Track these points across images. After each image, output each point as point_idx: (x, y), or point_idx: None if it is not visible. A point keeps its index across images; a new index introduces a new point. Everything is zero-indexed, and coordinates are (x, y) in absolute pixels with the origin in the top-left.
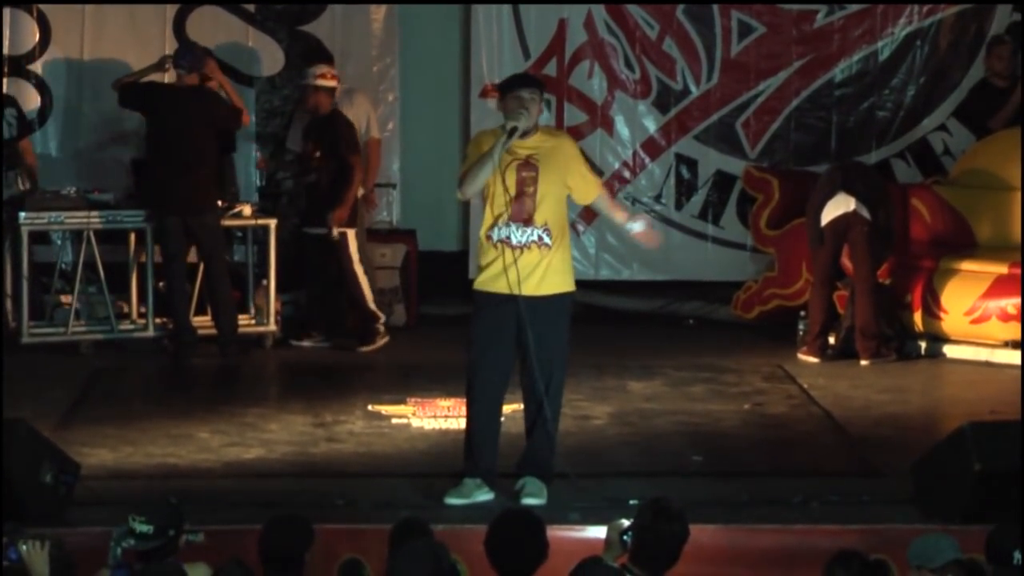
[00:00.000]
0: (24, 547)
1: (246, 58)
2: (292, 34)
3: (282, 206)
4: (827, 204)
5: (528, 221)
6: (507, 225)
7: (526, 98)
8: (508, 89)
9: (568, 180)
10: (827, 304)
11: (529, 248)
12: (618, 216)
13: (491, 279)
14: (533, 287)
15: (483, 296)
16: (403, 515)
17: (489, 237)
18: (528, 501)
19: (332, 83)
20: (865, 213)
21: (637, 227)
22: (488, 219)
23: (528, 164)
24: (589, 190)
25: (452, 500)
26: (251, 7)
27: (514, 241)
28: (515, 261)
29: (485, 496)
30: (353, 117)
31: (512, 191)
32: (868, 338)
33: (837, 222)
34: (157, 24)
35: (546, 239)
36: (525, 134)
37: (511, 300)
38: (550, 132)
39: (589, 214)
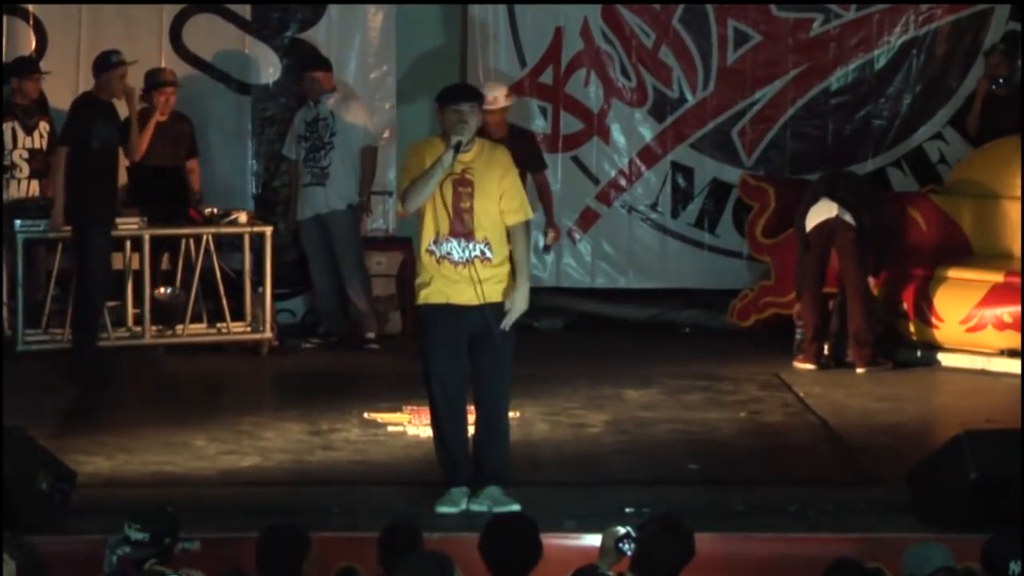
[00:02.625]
0: None
1: (243, 66)
2: (289, 41)
3: (279, 213)
4: (810, 210)
5: (469, 236)
6: (447, 240)
7: (465, 111)
8: (446, 102)
9: (501, 188)
10: (818, 309)
11: (472, 263)
12: (520, 265)
13: (438, 291)
14: (485, 296)
15: (432, 309)
16: (393, 520)
17: (431, 252)
18: (508, 509)
19: (509, 102)
20: (849, 218)
21: (510, 306)
22: (428, 233)
23: (464, 179)
24: (515, 208)
25: (443, 509)
26: (247, 15)
27: (456, 256)
28: (476, 279)
29: (475, 505)
30: (349, 125)
31: (450, 206)
32: (862, 346)
33: (821, 228)
34: (153, 32)
35: (488, 253)
36: (465, 146)
37: (463, 311)
38: (486, 145)
39: (585, 222)
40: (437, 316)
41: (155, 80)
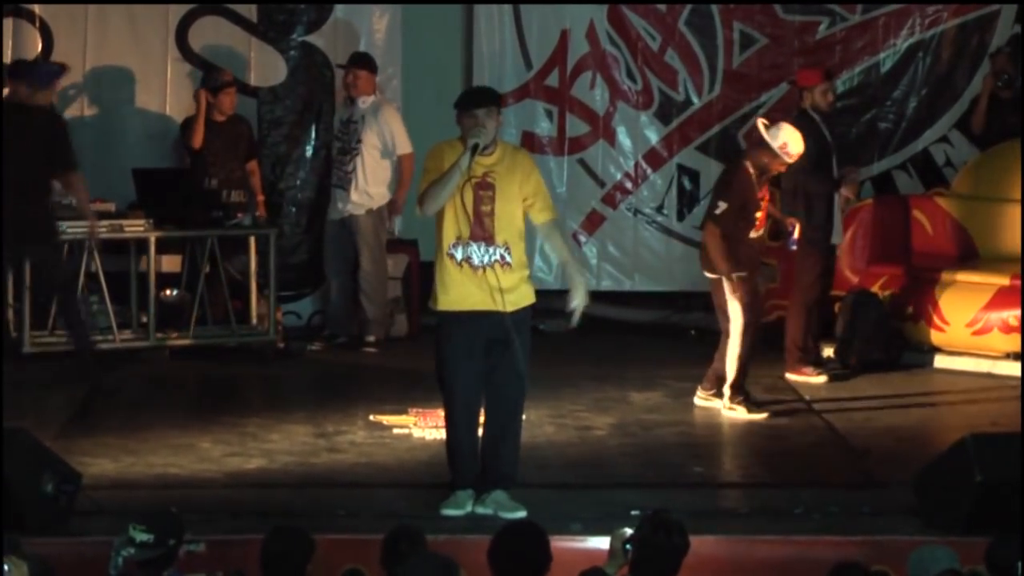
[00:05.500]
0: (7, 566)
1: (248, 68)
2: (294, 44)
3: (285, 215)
4: None
5: (489, 240)
6: (467, 244)
7: (481, 116)
8: (462, 107)
9: (525, 191)
10: (796, 318)
11: (492, 268)
12: (567, 263)
13: (461, 298)
14: (505, 305)
15: (450, 315)
16: (396, 524)
17: (452, 256)
18: (516, 515)
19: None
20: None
21: (574, 304)
22: (449, 236)
23: (485, 183)
24: (544, 206)
25: (449, 511)
26: (254, 17)
27: (476, 261)
28: (492, 283)
29: (481, 508)
30: (376, 133)
31: (470, 210)
32: (789, 352)
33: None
34: (159, 34)
35: (507, 258)
36: (484, 149)
37: (482, 316)
38: (508, 148)
39: (590, 224)
40: (455, 321)
41: (218, 82)
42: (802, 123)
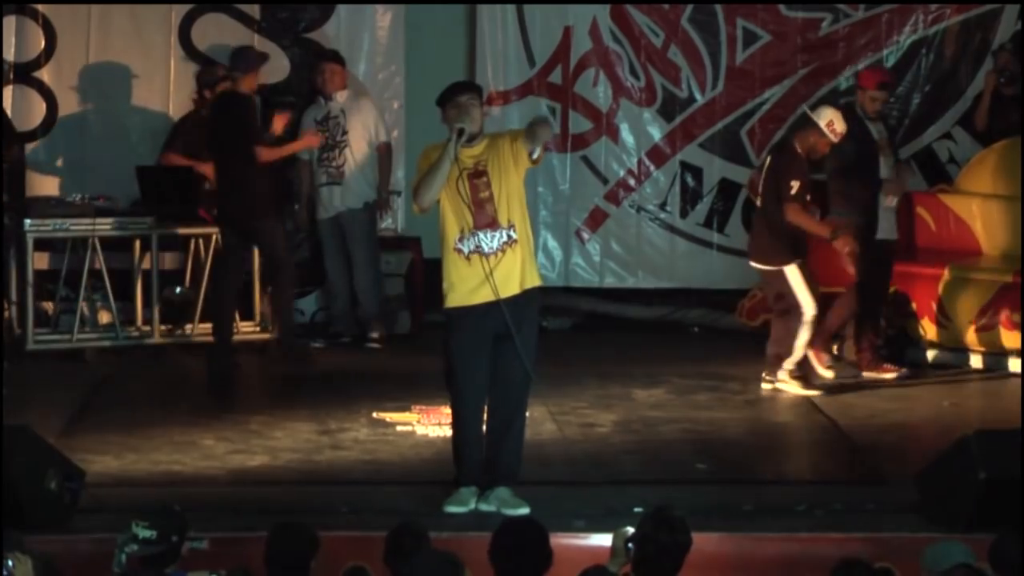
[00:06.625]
0: (10, 562)
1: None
2: (297, 41)
3: (296, 211)
4: None
5: (494, 224)
6: (473, 234)
7: (464, 103)
8: (445, 99)
9: (513, 147)
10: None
11: (504, 251)
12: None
13: (469, 293)
14: (515, 286)
15: (462, 311)
16: (400, 522)
17: (459, 251)
18: (519, 512)
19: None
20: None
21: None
22: (453, 231)
23: (478, 171)
24: (520, 135)
25: (452, 508)
26: (256, 14)
27: (485, 248)
28: (491, 273)
29: (484, 505)
30: (360, 122)
31: (469, 200)
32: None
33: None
34: (162, 31)
35: (513, 235)
36: (472, 139)
37: (491, 308)
38: (490, 136)
39: (593, 221)
40: (464, 317)
41: (214, 78)
42: (849, 118)
